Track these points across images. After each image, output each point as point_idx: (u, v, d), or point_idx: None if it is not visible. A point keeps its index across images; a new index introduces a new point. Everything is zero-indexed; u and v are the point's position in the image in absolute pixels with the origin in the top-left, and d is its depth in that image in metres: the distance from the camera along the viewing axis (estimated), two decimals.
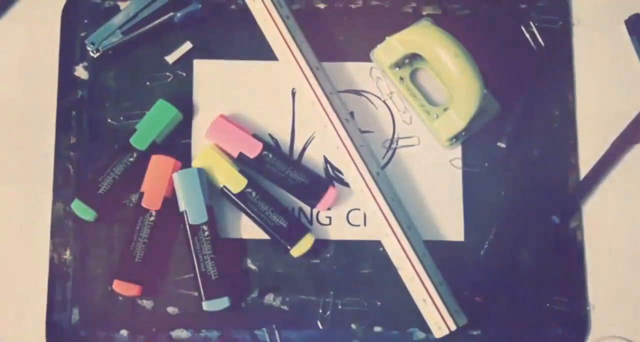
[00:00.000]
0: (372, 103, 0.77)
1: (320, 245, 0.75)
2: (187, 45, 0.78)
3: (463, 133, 0.76)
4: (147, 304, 0.74)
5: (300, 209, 0.76)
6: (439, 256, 0.73)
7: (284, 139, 0.77)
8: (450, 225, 0.75)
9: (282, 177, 0.75)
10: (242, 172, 0.75)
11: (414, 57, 0.77)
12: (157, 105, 0.75)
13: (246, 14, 0.77)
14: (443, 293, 0.72)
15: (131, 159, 0.74)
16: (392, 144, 0.77)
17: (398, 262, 0.72)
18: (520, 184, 0.77)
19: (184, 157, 0.76)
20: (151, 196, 0.74)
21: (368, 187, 0.73)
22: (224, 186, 0.74)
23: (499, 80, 0.77)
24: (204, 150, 0.75)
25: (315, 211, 0.75)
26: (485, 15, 0.80)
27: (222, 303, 0.72)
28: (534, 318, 0.73)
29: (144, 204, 0.73)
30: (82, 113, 0.77)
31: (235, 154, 0.75)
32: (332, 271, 0.75)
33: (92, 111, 0.77)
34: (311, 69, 0.75)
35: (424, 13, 0.79)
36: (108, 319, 0.74)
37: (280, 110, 0.77)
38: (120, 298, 0.73)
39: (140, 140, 0.74)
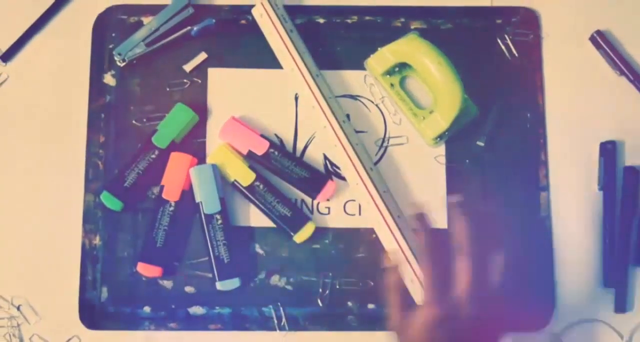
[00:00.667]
0: (366, 106, 0.78)
1: (320, 232, 0.76)
2: (203, 56, 0.78)
3: (446, 133, 0.76)
4: (167, 284, 0.75)
5: (303, 201, 0.76)
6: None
7: (288, 138, 0.78)
8: (435, 214, 0.76)
9: (286, 172, 0.75)
10: (251, 167, 0.75)
11: (403, 66, 0.77)
12: (176, 108, 0.76)
13: (254, 28, 0.79)
14: None
15: (153, 156, 0.76)
16: (384, 143, 0.78)
17: (389, 246, 0.73)
18: (497, 178, 0.77)
19: (199, 154, 0.77)
20: (171, 188, 0.75)
21: (362, 181, 0.74)
22: (235, 180, 0.75)
23: (478, 87, 0.78)
24: (218, 148, 0.76)
25: (315, 202, 0.76)
26: (466, 29, 0.80)
27: (234, 283, 0.73)
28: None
29: (164, 196, 0.74)
30: (110, 115, 0.78)
31: (244, 152, 0.76)
32: (331, 255, 0.76)
33: (118, 114, 0.78)
34: (312, 76, 0.76)
35: (412, 27, 0.79)
36: (133, 296, 0.75)
37: (285, 113, 0.78)
38: (144, 278, 0.75)
39: (161, 139, 0.76)
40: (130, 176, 0.76)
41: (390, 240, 0.73)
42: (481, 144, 0.77)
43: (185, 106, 0.76)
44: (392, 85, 0.78)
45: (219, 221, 0.74)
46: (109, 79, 0.79)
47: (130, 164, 0.76)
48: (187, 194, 0.76)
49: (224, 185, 0.76)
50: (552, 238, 0.77)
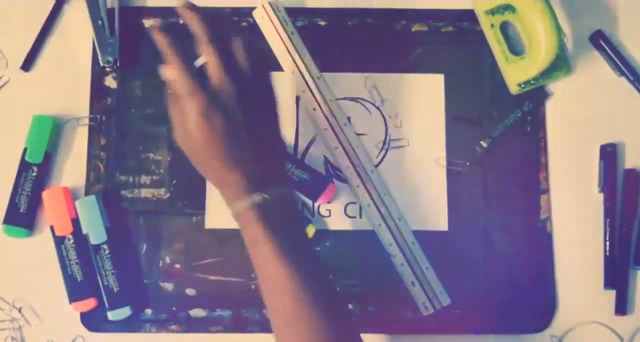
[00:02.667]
0: (367, 109, 0.77)
1: (321, 234, 0.75)
2: (203, 59, 0.73)
3: (532, 82, 0.76)
4: (168, 286, 0.74)
5: (303, 203, 0.76)
6: (426, 243, 0.74)
7: (289, 140, 0.77)
8: (436, 216, 0.75)
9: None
10: None
11: (507, 8, 0.78)
12: (34, 121, 0.75)
13: (255, 30, 0.78)
14: (429, 277, 0.73)
15: (34, 174, 0.75)
16: (385, 145, 0.77)
17: (390, 249, 0.73)
18: (498, 181, 0.77)
19: None
20: (60, 224, 0.74)
21: (364, 183, 0.74)
22: None
23: (478, 88, 0.78)
24: None
25: (316, 204, 0.75)
26: (467, 32, 0.80)
27: (124, 312, 0.73)
28: (508, 300, 0.74)
29: (58, 234, 0.73)
30: (111, 118, 0.77)
31: None
32: (332, 257, 0.74)
33: (119, 116, 0.77)
34: (313, 78, 0.76)
35: (413, 30, 0.79)
36: (136, 298, 0.74)
37: (286, 115, 0.76)
38: (146, 282, 0.74)
39: (34, 155, 0.75)
40: (22, 200, 0.75)
41: (391, 242, 0.73)
42: (484, 144, 0.77)
43: (40, 116, 0.76)
44: (492, 25, 0.78)
45: (107, 251, 0.73)
46: (110, 82, 0.79)
47: (17, 189, 0.75)
48: (78, 221, 0.75)
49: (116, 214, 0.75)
50: (553, 240, 0.76)
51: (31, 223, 0.75)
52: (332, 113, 0.76)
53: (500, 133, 0.77)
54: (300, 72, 0.76)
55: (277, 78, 0.77)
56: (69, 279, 0.73)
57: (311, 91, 0.76)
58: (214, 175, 0.65)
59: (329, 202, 0.76)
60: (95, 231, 0.74)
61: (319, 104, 0.76)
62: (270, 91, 0.67)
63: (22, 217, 0.74)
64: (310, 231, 0.74)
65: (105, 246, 0.74)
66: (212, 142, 0.63)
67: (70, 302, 0.73)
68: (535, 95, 0.79)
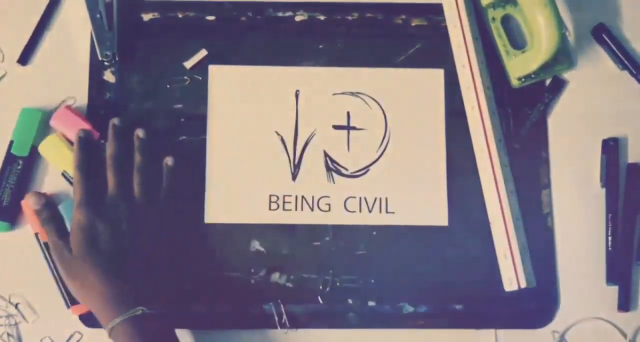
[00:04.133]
0: (367, 104, 0.76)
1: (321, 229, 0.74)
2: (203, 52, 0.76)
3: (532, 76, 0.75)
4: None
5: (303, 197, 0.74)
6: (425, 239, 0.73)
7: (288, 135, 0.76)
8: (436, 211, 0.74)
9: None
10: None
11: (509, 2, 0.77)
12: (22, 114, 0.74)
13: (255, 25, 0.77)
14: (523, 255, 0.71)
15: (19, 167, 0.73)
16: (384, 140, 0.76)
17: (493, 216, 0.73)
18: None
19: (200, 153, 0.74)
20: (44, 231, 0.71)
21: (495, 176, 0.73)
22: (65, 171, 0.73)
23: None
24: (49, 137, 0.73)
25: (316, 198, 0.74)
26: None
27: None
28: (509, 295, 0.72)
29: (43, 240, 0.71)
30: (110, 113, 0.75)
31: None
32: (331, 252, 0.74)
33: (118, 111, 0.75)
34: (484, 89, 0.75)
35: (413, 24, 0.78)
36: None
37: (285, 110, 0.76)
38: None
39: (20, 148, 0.73)
40: (5, 193, 0.73)
41: (497, 211, 0.72)
42: (517, 146, 0.76)
43: (30, 109, 0.74)
44: (493, 19, 0.77)
45: None
46: (108, 76, 0.77)
47: (1, 182, 0.73)
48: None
49: None
50: (554, 236, 0.75)
51: (13, 217, 0.73)
52: (492, 125, 0.75)
53: (527, 130, 0.76)
54: (475, 85, 0.75)
55: (275, 72, 0.77)
56: (63, 283, 0.71)
57: (479, 104, 0.75)
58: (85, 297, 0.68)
59: None
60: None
61: (478, 105, 0.74)
62: (155, 223, 0.70)
63: (4, 210, 0.72)
64: None
65: None
66: (83, 262, 0.67)
67: (68, 307, 0.71)
68: (554, 86, 0.78)
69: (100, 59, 0.76)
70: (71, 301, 0.71)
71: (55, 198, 0.74)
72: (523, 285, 0.71)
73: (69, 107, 0.74)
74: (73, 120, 0.73)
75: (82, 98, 0.77)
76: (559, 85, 0.78)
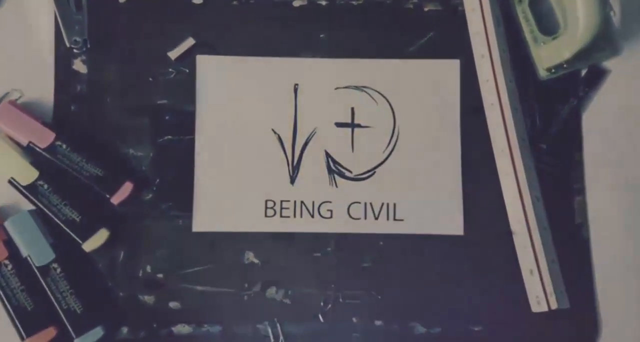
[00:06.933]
0: (373, 98, 0.72)
1: (322, 238, 0.69)
2: (190, 42, 0.72)
3: (565, 66, 0.69)
4: (149, 299, 0.68)
5: (303, 203, 0.70)
6: (438, 250, 0.68)
7: (286, 133, 0.71)
8: (450, 219, 0.69)
9: (75, 169, 0.68)
10: (33, 163, 0.68)
11: None
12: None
13: (248, 10, 0.72)
14: (552, 271, 0.67)
15: None
16: (392, 139, 0.71)
17: (516, 226, 0.68)
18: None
19: (187, 152, 0.69)
20: None
21: (519, 183, 0.68)
22: (12, 178, 0.67)
23: None
24: None
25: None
26: None
27: (96, 334, 0.65)
28: (538, 319, 0.67)
29: None
30: (82, 108, 0.71)
31: (24, 143, 0.68)
32: (334, 264, 0.69)
33: (92, 106, 0.71)
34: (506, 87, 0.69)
35: (426, 9, 0.73)
36: (108, 315, 0.68)
37: (282, 106, 0.71)
38: (122, 295, 0.68)
39: None
40: None
41: (520, 219, 0.67)
42: (544, 146, 0.71)
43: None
44: (519, 0, 0.72)
45: (58, 270, 0.66)
46: (79, 66, 0.72)
47: None
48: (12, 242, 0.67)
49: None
50: (590, 249, 0.70)
51: None
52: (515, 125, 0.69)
53: (557, 128, 0.71)
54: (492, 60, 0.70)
55: (271, 64, 0.72)
56: (16, 310, 0.64)
57: (500, 102, 0.69)
58: None
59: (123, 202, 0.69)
60: (37, 250, 0.66)
61: (499, 100, 0.69)
62: None
63: None
64: (102, 236, 0.67)
65: (55, 265, 0.65)
66: None
67: (23, 339, 0.65)
68: (591, 76, 0.71)
69: (68, 45, 0.70)
70: (25, 332, 0.65)
71: (1, 212, 0.68)
72: (554, 306, 0.65)
73: (12, 103, 0.68)
74: (18, 117, 0.67)
75: (47, 91, 0.71)
76: (597, 75, 0.72)
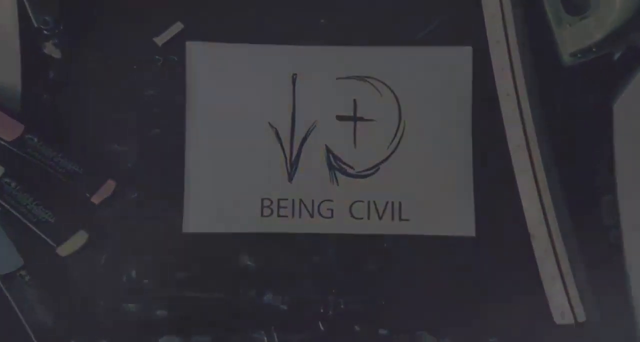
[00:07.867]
0: (377, 89, 0.69)
1: (322, 240, 0.67)
2: (178, 26, 0.69)
3: (594, 49, 0.64)
4: (132, 307, 0.66)
5: (301, 202, 0.68)
6: (448, 252, 0.66)
7: (284, 127, 0.69)
8: (460, 219, 0.67)
9: (50, 165, 0.66)
10: None
11: None
12: None
13: None
14: (579, 279, 0.64)
15: None
16: (398, 133, 0.69)
17: (535, 229, 0.65)
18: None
19: (175, 149, 0.67)
20: None
21: (538, 184, 0.65)
22: None
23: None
24: None
25: (317, 202, 0.67)
26: None
27: None
28: (564, 335, 0.64)
29: None
30: (54, 97, 0.68)
31: None
32: (335, 268, 0.67)
33: (67, 97, 0.68)
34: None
35: None
36: (87, 326, 0.66)
37: (280, 97, 0.69)
38: (102, 304, 0.66)
39: None
40: None
41: (540, 220, 0.64)
42: None
43: None
44: None
45: (27, 277, 0.64)
46: (51, 49, 0.68)
47: None
48: None
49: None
50: (624, 254, 0.66)
51: None
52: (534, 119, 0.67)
53: (582, 121, 0.67)
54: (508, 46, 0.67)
55: (268, 51, 0.70)
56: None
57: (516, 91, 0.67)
58: None
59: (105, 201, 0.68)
60: (4, 257, 0.64)
61: (515, 90, 0.66)
62: None
63: None
64: (81, 239, 0.65)
65: (23, 272, 0.63)
66: None
67: None
68: (625, 61, 0.67)
69: (36, 25, 0.67)
70: None
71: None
72: (581, 319, 0.62)
73: None
74: None
75: (12, 78, 0.67)
76: (632, 60, 0.68)
